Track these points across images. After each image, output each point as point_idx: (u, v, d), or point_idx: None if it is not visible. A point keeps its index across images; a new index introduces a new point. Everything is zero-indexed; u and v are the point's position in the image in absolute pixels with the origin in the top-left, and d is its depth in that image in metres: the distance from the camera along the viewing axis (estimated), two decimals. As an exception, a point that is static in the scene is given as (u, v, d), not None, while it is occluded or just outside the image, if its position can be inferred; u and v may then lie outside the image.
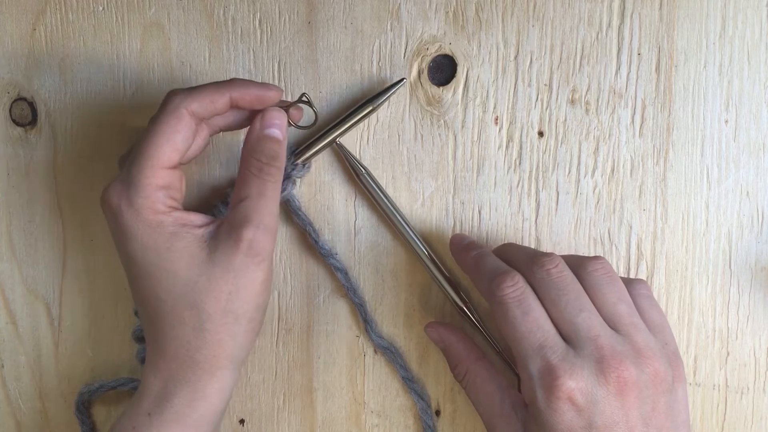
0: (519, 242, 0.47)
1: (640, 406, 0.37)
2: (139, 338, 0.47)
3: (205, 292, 0.39)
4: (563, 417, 0.37)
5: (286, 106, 0.43)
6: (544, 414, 0.37)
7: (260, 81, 0.47)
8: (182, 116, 0.40)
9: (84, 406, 0.49)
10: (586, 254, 0.47)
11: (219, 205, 0.46)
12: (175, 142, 0.40)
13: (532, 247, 0.47)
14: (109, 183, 0.40)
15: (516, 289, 0.39)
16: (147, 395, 0.41)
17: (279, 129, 0.42)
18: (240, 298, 0.40)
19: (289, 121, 0.44)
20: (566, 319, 0.38)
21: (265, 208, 0.40)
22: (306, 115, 0.46)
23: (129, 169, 0.40)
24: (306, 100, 0.44)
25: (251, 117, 0.42)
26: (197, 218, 0.40)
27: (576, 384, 0.37)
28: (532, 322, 0.38)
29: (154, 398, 0.40)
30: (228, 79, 0.42)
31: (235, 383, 0.42)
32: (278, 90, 0.42)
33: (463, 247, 0.44)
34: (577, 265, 0.40)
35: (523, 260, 0.41)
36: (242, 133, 0.48)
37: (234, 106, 0.41)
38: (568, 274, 0.40)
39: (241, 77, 0.47)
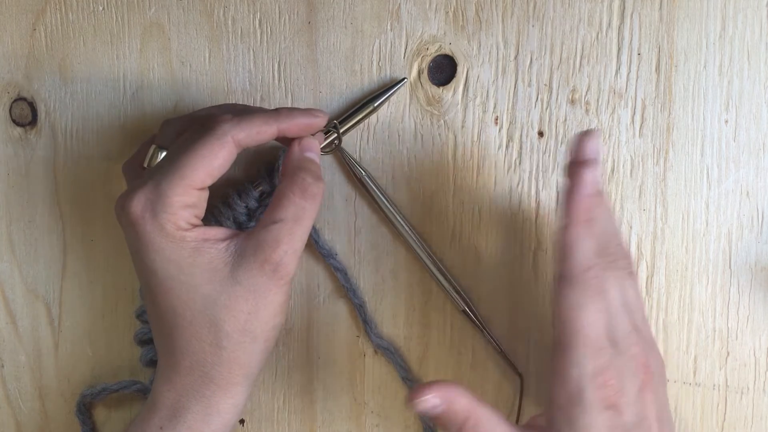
0: (519, 242, 0.47)
1: (656, 401, 0.39)
2: (142, 341, 0.47)
3: (225, 309, 0.39)
4: (603, 417, 0.37)
5: (317, 135, 0.43)
6: (587, 414, 0.36)
7: (266, 85, 0.47)
8: (226, 144, 0.39)
9: (85, 408, 0.49)
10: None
11: (219, 205, 0.46)
12: (213, 167, 0.39)
13: (533, 246, 0.47)
14: (131, 192, 0.39)
15: (601, 284, 0.38)
16: (159, 408, 0.40)
17: (315, 152, 0.42)
18: (259, 319, 0.39)
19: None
20: (615, 313, 0.38)
21: (299, 233, 0.40)
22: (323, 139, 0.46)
23: (159, 182, 0.39)
24: (337, 128, 0.45)
25: (277, 133, 0.41)
26: (219, 232, 0.40)
27: (622, 386, 0.37)
28: (602, 322, 0.37)
29: (167, 412, 0.40)
30: (275, 108, 0.42)
31: (248, 398, 0.42)
32: (325, 116, 0.42)
33: (588, 196, 0.38)
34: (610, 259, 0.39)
35: (586, 259, 0.38)
36: (242, 133, 0.48)
37: (281, 135, 0.41)
38: (624, 270, 0.39)
39: (251, 85, 0.47)
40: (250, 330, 0.40)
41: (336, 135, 0.45)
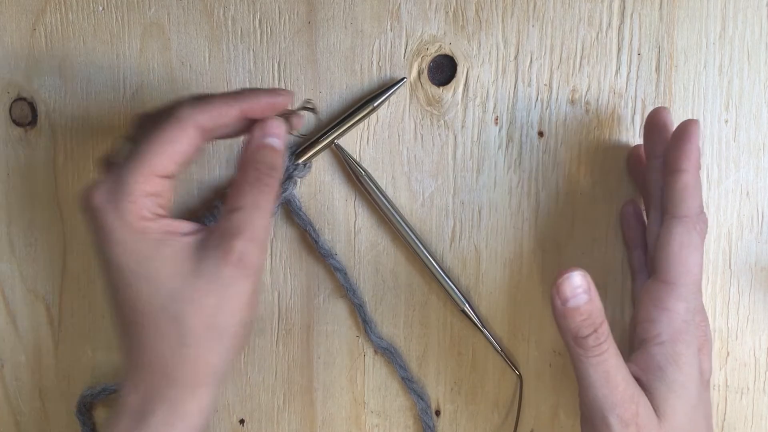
0: (518, 242, 0.47)
1: None
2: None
3: (188, 303, 0.37)
4: (698, 357, 0.39)
5: (289, 113, 0.42)
6: (690, 349, 0.39)
7: (266, 85, 0.47)
8: (187, 129, 0.38)
9: (85, 408, 0.49)
10: (586, 254, 0.47)
11: (219, 205, 0.46)
12: (174, 153, 0.38)
13: (533, 247, 0.47)
14: (92, 182, 0.38)
15: (705, 227, 0.40)
16: (125, 413, 0.38)
17: (279, 138, 0.40)
18: (225, 312, 0.38)
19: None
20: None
21: (259, 220, 0.39)
22: (303, 120, 0.46)
23: (120, 172, 0.38)
24: (311, 107, 0.44)
25: (248, 125, 0.41)
26: (184, 226, 0.39)
27: (707, 333, 0.41)
28: (701, 268, 0.40)
29: (132, 417, 0.38)
30: (236, 90, 0.41)
31: (216, 400, 0.40)
32: (288, 94, 0.41)
33: (698, 148, 0.40)
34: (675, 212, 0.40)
35: (698, 206, 0.40)
36: (242, 133, 0.48)
37: (244, 117, 0.40)
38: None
39: (251, 85, 0.47)
40: (215, 325, 0.38)
41: (311, 109, 0.44)
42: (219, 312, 0.38)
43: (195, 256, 0.38)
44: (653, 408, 0.38)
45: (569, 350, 0.38)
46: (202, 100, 0.39)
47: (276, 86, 0.47)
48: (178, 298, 0.37)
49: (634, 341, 0.41)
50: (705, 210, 0.46)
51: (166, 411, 0.38)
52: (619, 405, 0.37)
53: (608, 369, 0.37)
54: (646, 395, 0.38)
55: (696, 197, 0.40)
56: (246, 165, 0.40)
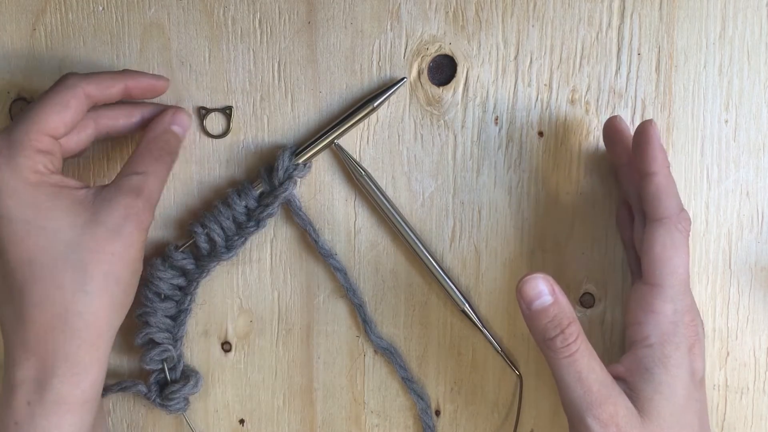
0: (518, 242, 0.47)
1: None
2: (144, 342, 0.47)
3: (88, 252, 0.38)
4: (688, 357, 0.39)
5: (204, 111, 0.46)
6: (679, 351, 0.39)
7: (266, 86, 0.47)
8: (77, 93, 0.40)
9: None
10: (587, 254, 0.47)
11: (219, 205, 0.46)
12: (64, 114, 0.40)
13: (533, 247, 0.47)
14: None
15: (688, 227, 0.40)
16: (21, 383, 0.38)
17: (183, 129, 0.45)
18: (123, 261, 0.39)
19: (206, 131, 0.47)
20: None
21: (157, 186, 0.42)
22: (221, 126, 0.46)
23: (11, 130, 0.39)
24: (228, 113, 0.47)
25: (139, 124, 0.44)
26: (76, 182, 0.41)
27: (698, 330, 0.41)
28: (687, 267, 0.40)
29: (31, 384, 0.38)
30: (121, 69, 0.45)
31: (108, 357, 0.41)
32: (166, 81, 0.45)
33: (661, 146, 0.40)
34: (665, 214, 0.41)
35: (677, 205, 0.40)
36: (242, 133, 0.48)
37: (126, 95, 0.43)
38: None
39: (251, 85, 0.47)
40: (113, 272, 0.39)
41: (227, 123, 0.47)
42: (117, 260, 0.39)
43: (92, 207, 0.39)
44: (638, 408, 0.38)
45: (543, 353, 0.39)
46: (91, 73, 0.42)
47: (276, 85, 0.47)
48: (78, 247, 0.38)
49: (625, 343, 0.41)
50: (705, 210, 0.46)
51: (67, 368, 0.38)
52: (595, 406, 0.37)
53: (580, 369, 0.37)
54: (632, 396, 0.38)
55: (671, 197, 0.40)
56: (151, 140, 0.43)
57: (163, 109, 0.45)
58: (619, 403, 0.37)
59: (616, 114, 0.45)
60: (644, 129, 0.40)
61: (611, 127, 0.44)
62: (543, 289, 0.38)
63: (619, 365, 0.40)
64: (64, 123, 0.40)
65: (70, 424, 0.39)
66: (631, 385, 0.39)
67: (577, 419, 0.38)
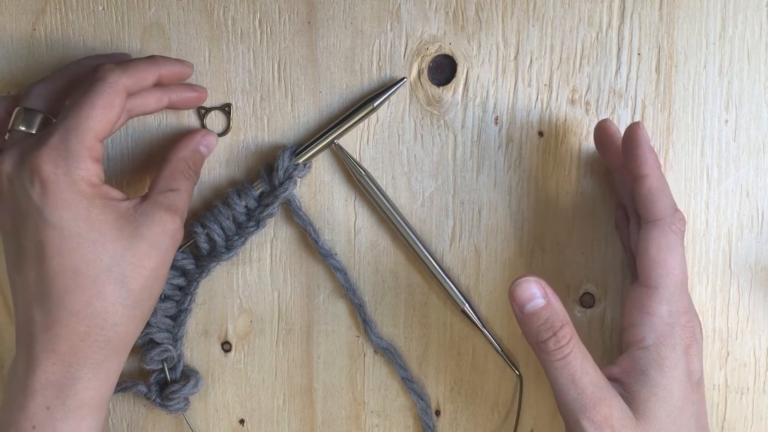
0: (518, 242, 0.47)
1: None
2: (144, 342, 0.47)
3: (130, 266, 0.39)
4: (685, 358, 0.39)
5: (204, 111, 0.47)
6: (676, 352, 0.39)
7: (266, 86, 0.47)
8: (119, 90, 0.40)
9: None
10: (586, 254, 0.47)
11: (219, 205, 0.46)
12: (111, 115, 0.40)
13: (533, 247, 0.47)
14: (31, 150, 0.39)
15: (684, 231, 0.40)
16: (42, 388, 0.38)
17: (209, 150, 0.46)
18: (156, 275, 0.41)
19: (204, 127, 0.47)
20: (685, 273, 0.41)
21: (187, 203, 0.43)
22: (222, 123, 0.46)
23: (66, 138, 0.39)
24: (227, 110, 0.47)
25: (167, 107, 0.45)
26: (118, 193, 0.41)
27: (695, 331, 0.40)
28: (684, 265, 0.40)
29: (53, 388, 0.39)
30: (150, 56, 0.45)
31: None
32: (191, 66, 0.45)
33: (651, 148, 0.41)
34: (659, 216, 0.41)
35: (670, 206, 0.41)
36: (242, 133, 0.48)
37: (158, 82, 0.43)
38: None
39: (251, 85, 0.47)
40: (148, 287, 0.40)
41: (228, 122, 0.47)
42: (153, 275, 0.40)
43: (134, 222, 0.40)
44: (633, 410, 0.38)
45: (536, 355, 0.39)
46: (127, 64, 0.42)
47: (276, 85, 0.47)
48: (121, 260, 0.39)
49: (622, 345, 0.41)
50: (705, 210, 0.46)
51: (93, 375, 0.39)
52: (589, 408, 0.37)
53: (573, 372, 0.37)
54: (628, 398, 0.38)
55: (664, 198, 0.40)
56: (181, 159, 0.44)
57: (193, 131, 0.46)
58: (614, 405, 0.37)
59: (606, 117, 0.45)
60: (632, 132, 0.41)
61: (602, 131, 0.44)
62: (535, 292, 0.38)
63: (615, 367, 0.40)
64: (111, 124, 0.40)
65: (88, 426, 0.40)
66: (627, 386, 0.39)
67: (572, 421, 0.38)
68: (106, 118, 0.39)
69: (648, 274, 0.40)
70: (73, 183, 0.38)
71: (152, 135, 0.48)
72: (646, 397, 0.38)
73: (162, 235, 0.40)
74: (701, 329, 0.42)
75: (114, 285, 0.39)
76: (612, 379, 0.39)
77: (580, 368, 0.37)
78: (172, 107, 0.45)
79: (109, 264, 0.39)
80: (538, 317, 0.38)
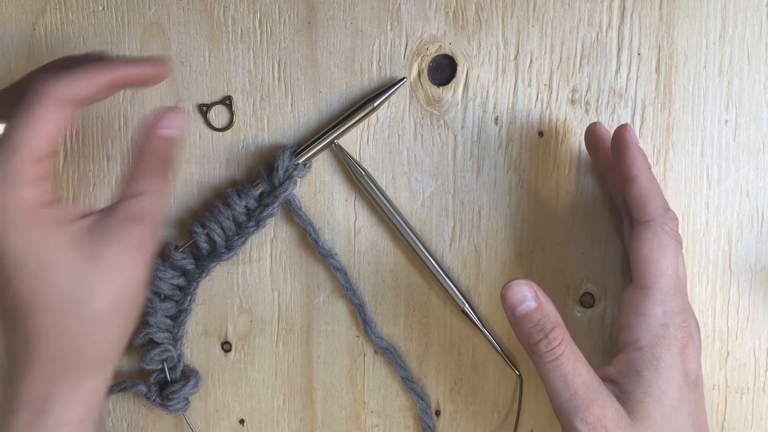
0: (518, 242, 0.47)
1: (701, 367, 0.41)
2: (144, 342, 0.47)
3: (91, 287, 0.37)
4: (680, 358, 0.39)
5: (205, 107, 0.45)
6: (671, 352, 0.38)
7: (266, 86, 0.47)
8: (57, 103, 0.37)
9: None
10: (586, 254, 0.47)
11: (219, 205, 0.46)
12: (52, 132, 0.36)
13: (533, 247, 0.47)
14: None
15: (678, 231, 0.40)
16: (21, 407, 0.37)
17: (175, 130, 0.40)
18: (127, 294, 0.38)
19: (210, 125, 0.46)
20: (679, 274, 0.41)
21: (158, 206, 0.39)
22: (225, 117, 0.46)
23: (4, 159, 0.36)
24: (228, 103, 0.46)
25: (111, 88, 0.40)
26: (75, 211, 0.38)
27: (691, 331, 0.39)
28: (678, 265, 0.40)
29: (32, 409, 0.37)
30: (109, 57, 0.41)
31: (110, 378, 0.40)
32: (165, 63, 0.41)
33: (640, 149, 0.41)
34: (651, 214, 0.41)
35: (662, 206, 0.40)
36: (242, 133, 0.48)
37: (119, 87, 0.39)
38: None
39: (251, 85, 0.47)
40: (119, 306, 0.38)
41: (230, 115, 0.46)
42: (122, 293, 0.38)
43: (93, 240, 0.37)
44: (628, 410, 0.38)
45: (530, 357, 0.39)
46: (67, 72, 0.37)
47: (276, 85, 0.47)
48: (81, 283, 0.37)
49: (618, 345, 0.41)
50: (705, 210, 0.46)
51: (69, 394, 0.38)
52: (582, 409, 0.37)
53: (565, 373, 0.38)
54: (623, 398, 0.38)
55: (655, 199, 0.40)
56: (144, 152, 0.39)
57: (153, 113, 0.41)
58: (607, 406, 0.37)
59: (596, 121, 0.45)
60: (620, 134, 0.41)
61: (592, 134, 0.44)
62: (527, 294, 0.38)
63: (611, 368, 0.40)
64: (53, 141, 0.37)
65: None
66: (622, 387, 0.39)
67: (566, 422, 0.38)
68: (41, 135, 0.36)
69: (641, 275, 0.40)
70: (11, 206, 0.36)
71: (152, 135, 0.48)
72: (641, 398, 0.38)
73: (126, 251, 0.37)
74: (699, 329, 0.41)
75: (76, 308, 0.37)
76: (608, 380, 0.39)
77: (572, 369, 0.38)
78: (127, 88, 0.40)
79: (67, 288, 0.37)
80: (530, 319, 0.38)
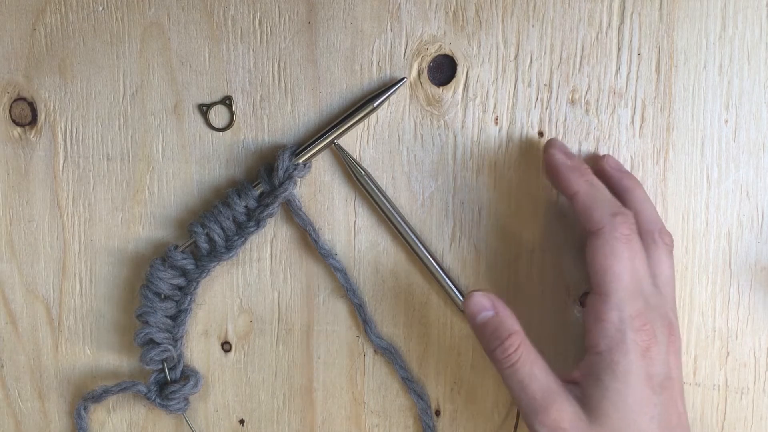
0: (518, 242, 0.47)
1: (679, 368, 0.41)
2: (144, 342, 0.47)
3: None
4: (641, 362, 0.39)
5: (205, 107, 0.45)
6: (628, 357, 0.39)
7: (265, 85, 0.47)
8: None
9: (85, 412, 0.49)
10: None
11: (219, 205, 0.46)
12: None
13: (533, 247, 0.47)
14: None
15: (631, 233, 0.40)
16: None
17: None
18: None
19: (210, 125, 0.46)
20: (640, 273, 0.41)
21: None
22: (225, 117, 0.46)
23: None
24: (228, 103, 0.46)
25: None
26: None
27: (654, 333, 0.39)
28: (634, 269, 0.40)
29: None
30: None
31: None
32: None
33: (570, 168, 0.43)
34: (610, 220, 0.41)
35: (608, 213, 0.41)
36: (243, 132, 0.48)
37: None
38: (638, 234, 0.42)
39: (250, 85, 0.47)
40: None
41: (230, 114, 0.46)
42: None
43: None
44: (587, 413, 0.39)
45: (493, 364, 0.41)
46: None
47: (276, 85, 0.47)
48: None
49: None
50: (705, 210, 0.46)
51: None
52: (540, 412, 0.39)
53: (521, 379, 0.39)
54: (584, 400, 0.39)
55: (599, 207, 0.41)
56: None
57: None
58: (564, 408, 0.39)
59: (550, 148, 0.44)
60: (546, 159, 0.43)
61: (548, 164, 0.44)
62: (485, 304, 0.41)
63: (576, 371, 0.41)
64: None
65: None
66: (583, 390, 0.40)
67: (529, 425, 0.40)
68: None
69: (597, 282, 0.40)
70: None
71: (152, 135, 0.48)
72: (599, 401, 0.39)
73: None
74: (672, 329, 0.41)
75: None
76: (572, 383, 0.40)
77: (528, 375, 0.39)
78: None
79: None
80: (487, 327, 0.41)
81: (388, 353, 0.48)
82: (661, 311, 0.41)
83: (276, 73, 0.47)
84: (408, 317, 0.48)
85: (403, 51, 0.46)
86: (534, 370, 0.39)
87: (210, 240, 0.47)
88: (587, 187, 0.42)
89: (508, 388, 0.40)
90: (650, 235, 0.43)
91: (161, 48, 0.47)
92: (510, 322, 0.41)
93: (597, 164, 0.45)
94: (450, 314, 0.48)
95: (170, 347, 0.47)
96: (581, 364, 0.41)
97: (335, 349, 0.49)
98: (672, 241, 0.43)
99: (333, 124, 0.46)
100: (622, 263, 0.40)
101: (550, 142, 0.44)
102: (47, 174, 0.49)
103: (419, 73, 0.47)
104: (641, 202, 0.44)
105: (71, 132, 0.49)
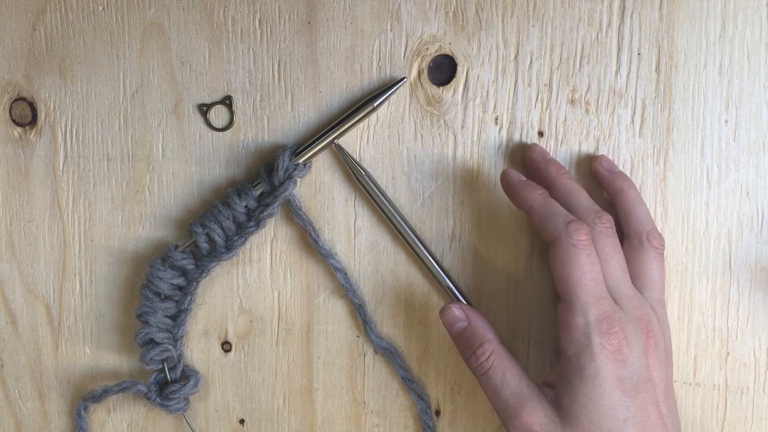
0: (518, 242, 0.47)
1: (661, 369, 0.41)
2: (144, 342, 0.47)
3: None
4: (610, 365, 0.39)
5: (206, 107, 0.45)
6: (595, 361, 0.39)
7: (265, 85, 0.47)
8: None
9: (85, 412, 0.49)
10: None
11: (219, 205, 0.46)
12: None
13: (533, 247, 0.47)
14: None
15: (588, 238, 0.40)
16: None
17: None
18: None
19: (210, 125, 0.46)
20: (614, 275, 0.41)
21: None
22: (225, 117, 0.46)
23: None
24: (228, 103, 0.46)
25: None
26: None
27: (626, 335, 0.39)
28: (597, 273, 0.40)
29: None
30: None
31: None
32: None
33: (524, 184, 0.44)
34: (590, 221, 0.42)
35: (585, 209, 0.42)
36: (243, 132, 0.48)
37: None
38: (616, 236, 0.42)
39: (251, 85, 0.47)
40: None
41: (231, 114, 0.46)
42: None
43: None
44: (560, 416, 0.40)
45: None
46: None
47: (276, 85, 0.47)
48: None
49: None
50: (705, 210, 0.46)
51: None
52: (513, 416, 0.40)
53: (494, 385, 0.41)
54: (557, 403, 0.40)
55: (551, 219, 0.41)
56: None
57: None
58: (536, 413, 0.40)
59: (505, 172, 0.45)
60: (501, 178, 0.44)
61: (503, 183, 0.45)
62: (459, 315, 0.43)
63: (552, 374, 0.42)
64: None
65: None
66: (556, 393, 0.41)
67: (506, 428, 0.41)
68: None
69: (561, 290, 0.41)
70: None
71: (152, 135, 0.48)
72: (569, 404, 0.39)
73: None
74: (650, 331, 0.41)
75: None
76: (549, 386, 0.41)
77: (500, 381, 0.41)
78: None
79: None
80: (461, 337, 0.43)
81: (388, 353, 0.48)
82: (637, 313, 0.41)
83: (276, 73, 0.47)
84: (408, 317, 0.48)
85: (403, 51, 0.46)
86: (506, 376, 0.41)
87: (210, 240, 0.47)
88: (541, 200, 0.42)
89: (485, 393, 0.42)
90: (637, 237, 0.43)
91: (161, 48, 0.47)
92: (482, 331, 0.43)
93: (591, 165, 0.46)
94: (450, 314, 0.48)
95: (170, 347, 0.47)
96: (555, 368, 0.41)
97: (335, 349, 0.49)
98: (662, 243, 0.44)
99: (333, 124, 0.46)
100: (580, 269, 0.40)
101: (531, 147, 0.46)
102: (47, 174, 0.49)
103: (419, 73, 0.47)
104: (633, 203, 0.44)
105: (71, 132, 0.49)
